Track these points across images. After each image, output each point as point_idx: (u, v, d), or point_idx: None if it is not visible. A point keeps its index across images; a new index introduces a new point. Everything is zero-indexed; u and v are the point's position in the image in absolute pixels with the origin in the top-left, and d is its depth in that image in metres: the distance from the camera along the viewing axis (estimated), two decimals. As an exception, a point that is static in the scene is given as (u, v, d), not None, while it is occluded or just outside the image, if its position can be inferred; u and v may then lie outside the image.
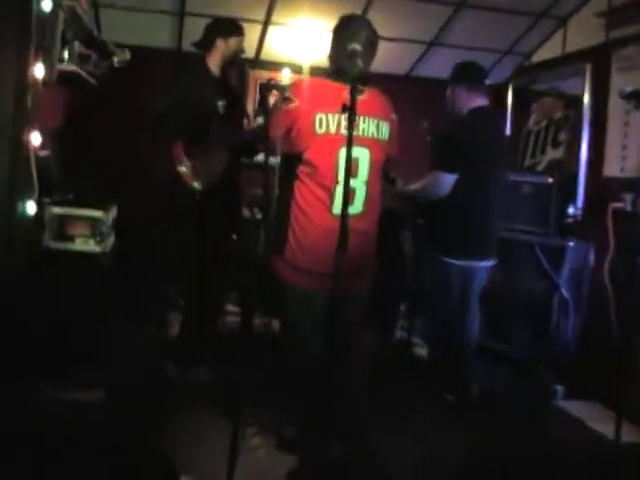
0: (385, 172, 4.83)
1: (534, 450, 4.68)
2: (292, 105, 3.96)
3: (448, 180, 5.11)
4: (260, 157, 5.37)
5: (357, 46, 3.61)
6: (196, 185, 5.12)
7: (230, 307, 6.70)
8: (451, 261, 5.22)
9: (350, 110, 3.23)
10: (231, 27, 5.50)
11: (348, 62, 3.52)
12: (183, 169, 5.14)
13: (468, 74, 5.43)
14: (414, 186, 5.33)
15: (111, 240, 5.55)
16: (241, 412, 3.70)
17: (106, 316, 5.56)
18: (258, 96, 7.93)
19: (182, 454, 4.11)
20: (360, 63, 3.54)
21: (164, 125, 5.21)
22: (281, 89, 4.04)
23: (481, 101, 5.38)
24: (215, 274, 5.49)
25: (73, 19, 5.36)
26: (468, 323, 5.35)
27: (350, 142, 3.20)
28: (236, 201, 5.73)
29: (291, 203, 4.04)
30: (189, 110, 5.15)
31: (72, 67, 5.35)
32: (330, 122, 3.93)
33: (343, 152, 3.51)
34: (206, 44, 5.47)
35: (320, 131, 3.93)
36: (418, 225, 5.89)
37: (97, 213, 5.29)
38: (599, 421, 5.04)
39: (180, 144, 5.17)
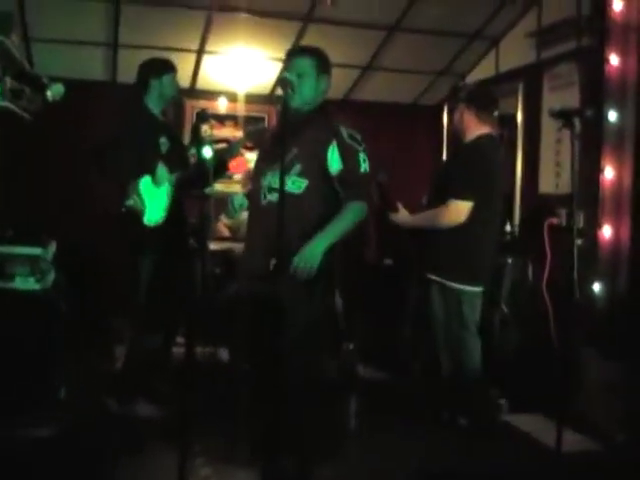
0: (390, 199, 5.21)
1: (482, 466, 4.71)
2: None
3: (467, 208, 5.09)
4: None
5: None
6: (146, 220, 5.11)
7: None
8: (470, 288, 5.24)
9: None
10: (162, 65, 5.52)
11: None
12: (132, 203, 5.14)
13: (479, 98, 5.41)
14: (424, 216, 5.35)
15: (51, 276, 5.50)
16: (188, 444, 3.68)
17: (52, 352, 5.51)
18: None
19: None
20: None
21: (105, 161, 5.23)
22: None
23: (489, 129, 5.35)
24: (167, 306, 5.45)
25: (4, 54, 5.33)
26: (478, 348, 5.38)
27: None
28: (184, 233, 5.73)
29: None
30: (131, 146, 5.16)
31: (4, 103, 5.30)
32: None
33: None
34: (142, 85, 5.50)
35: None
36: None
37: (36, 250, 5.25)
38: (543, 433, 5.05)
39: (128, 180, 5.18)
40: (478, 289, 5.29)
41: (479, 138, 5.30)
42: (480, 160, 5.25)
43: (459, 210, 5.10)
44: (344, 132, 3.96)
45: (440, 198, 5.24)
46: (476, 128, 5.30)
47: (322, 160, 3.91)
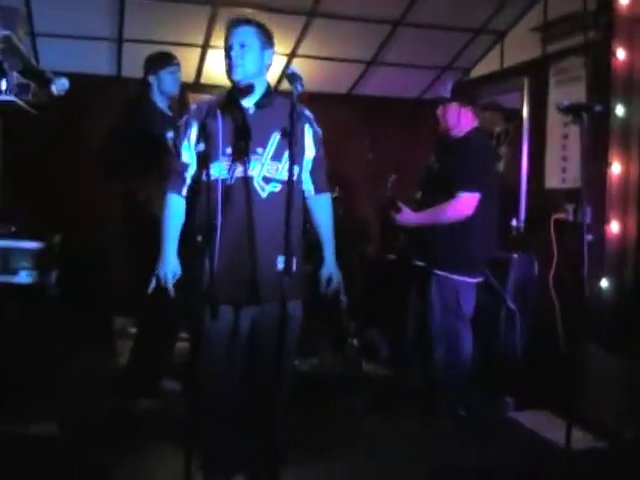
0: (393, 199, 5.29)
1: (489, 463, 4.69)
2: None
3: (475, 200, 5.16)
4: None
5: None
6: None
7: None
8: (468, 280, 5.32)
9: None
10: (159, 60, 5.51)
11: None
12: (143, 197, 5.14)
13: (475, 97, 5.61)
14: (430, 213, 5.33)
15: (55, 271, 5.49)
16: (193, 441, 3.66)
17: (54, 347, 5.50)
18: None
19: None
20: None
21: (111, 159, 5.25)
22: None
23: (478, 122, 5.50)
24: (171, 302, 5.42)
25: (10, 49, 5.33)
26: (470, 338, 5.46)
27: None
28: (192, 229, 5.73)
29: None
30: (137, 141, 5.16)
31: (10, 98, 5.30)
32: None
33: None
34: (144, 80, 5.49)
35: None
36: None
37: (40, 245, 5.23)
38: (550, 430, 5.05)
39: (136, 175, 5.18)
40: (475, 280, 5.38)
41: (473, 131, 5.44)
42: (482, 152, 5.44)
43: (468, 202, 5.16)
44: (311, 116, 3.91)
45: (435, 192, 5.35)
46: (470, 122, 5.43)
47: (302, 146, 3.83)
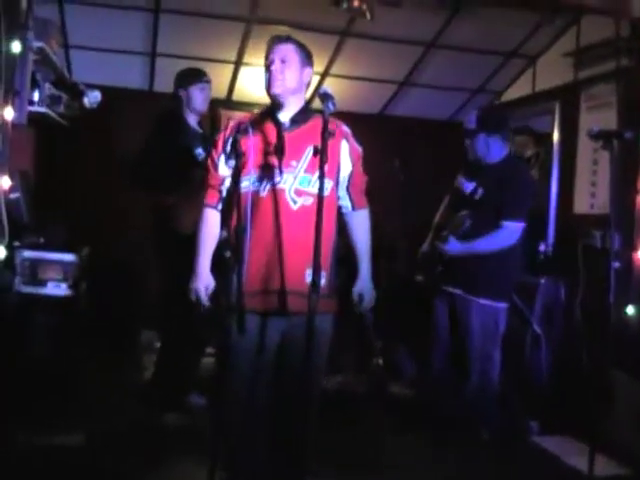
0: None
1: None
2: None
3: (521, 229, 5.15)
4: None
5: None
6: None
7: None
8: (505, 305, 5.30)
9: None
10: (189, 77, 5.54)
11: None
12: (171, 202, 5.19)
13: (502, 124, 5.48)
14: (478, 242, 5.20)
15: (83, 283, 5.52)
16: (217, 458, 3.66)
17: (80, 360, 5.52)
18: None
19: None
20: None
21: (138, 171, 5.29)
22: None
23: (509, 149, 5.45)
24: (199, 316, 5.44)
25: (43, 61, 5.37)
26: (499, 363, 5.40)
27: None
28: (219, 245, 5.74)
29: None
30: (167, 156, 5.20)
31: (42, 109, 5.35)
32: None
33: None
34: (175, 96, 5.53)
35: None
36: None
37: (69, 257, 5.26)
38: (574, 456, 5.02)
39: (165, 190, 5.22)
40: (507, 305, 5.35)
41: (508, 160, 5.40)
42: (526, 181, 5.42)
43: (514, 232, 5.14)
44: (349, 132, 3.93)
45: (474, 218, 5.25)
46: (500, 150, 5.36)
47: (337, 162, 3.83)
